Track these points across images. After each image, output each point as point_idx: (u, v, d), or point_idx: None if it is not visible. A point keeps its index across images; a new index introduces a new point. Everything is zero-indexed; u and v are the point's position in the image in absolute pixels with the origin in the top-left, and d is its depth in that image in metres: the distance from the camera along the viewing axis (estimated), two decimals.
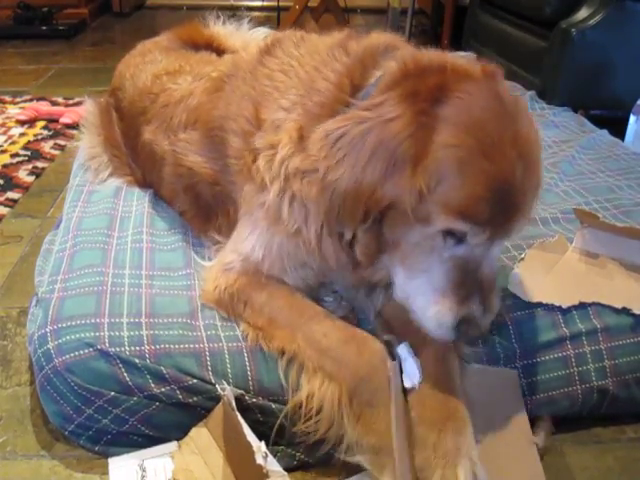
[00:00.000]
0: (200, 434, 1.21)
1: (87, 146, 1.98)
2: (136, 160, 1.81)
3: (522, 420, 1.22)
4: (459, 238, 1.04)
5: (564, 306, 1.33)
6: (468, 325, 1.06)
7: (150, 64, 1.82)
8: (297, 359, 1.19)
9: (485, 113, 1.02)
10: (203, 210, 1.53)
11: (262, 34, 2.22)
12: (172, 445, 1.22)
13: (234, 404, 1.16)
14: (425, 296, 1.09)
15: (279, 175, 1.19)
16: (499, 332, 1.31)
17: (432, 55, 1.13)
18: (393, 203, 1.03)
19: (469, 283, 1.06)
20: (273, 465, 1.09)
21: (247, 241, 1.30)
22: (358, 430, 1.12)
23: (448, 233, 1.03)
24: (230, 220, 1.44)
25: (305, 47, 1.34)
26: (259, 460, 1.04)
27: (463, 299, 1.06)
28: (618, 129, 2.52)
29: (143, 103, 1.71)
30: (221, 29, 2.16)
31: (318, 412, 1.15)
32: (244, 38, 2.15)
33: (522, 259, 1.44)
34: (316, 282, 1.32)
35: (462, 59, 1.12)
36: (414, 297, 1.11)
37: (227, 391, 1.18)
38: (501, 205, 1.01)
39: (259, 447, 1.07)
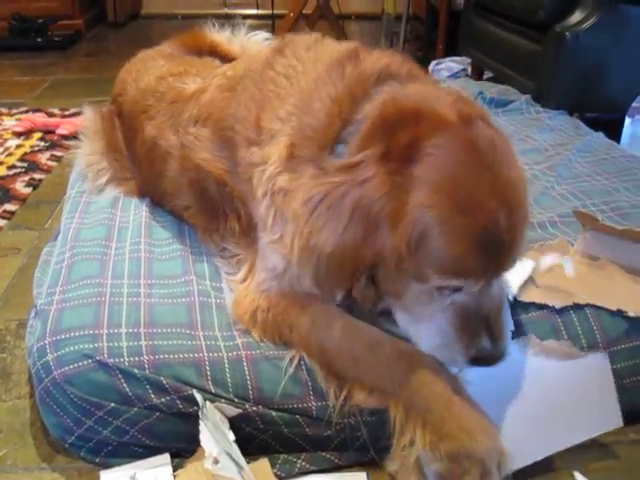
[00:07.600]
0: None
1: (86, 153, 1.98)
2: (134, 159, 1.80)
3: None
4: (455, 289, 1.05)
5: (557, 306, 1.32)
6: (482, 359, 1.09)
7: (153, 68, 1.83)
8: (348, 384, 1.18)
9: (458, 167, 1.01)
10: (208, 206, 1.50)
11: (261, 38, 2.23)
12: (164, 457, 1.21)
13: (201, 411, 1.16)
14: (432, 340, 1.11)
15: (267, 191, 1.23)
16: None
17: (413, 94, 1.11)
18: (378, 262, 1.05)
19: (474, 322, 1.07)
20: (224, 471, 1.09)
21: (269, 258, 1.30)
22: (428, 438, 1.08)
23: (443, 287, 1.04)
24: (242, 224, 1.42)
25: (314, 52, 1.32)
26: (207, 465, 1.07)
27: (470, 340, 1.07)
28: (614, 131, 2.53)
29: (146, 101, 1.71)
30: (221, 36, 2.16)
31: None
32: (243, 43, 2.16)
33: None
34: None
35: (447, 97, 1.10)
36: (421, 339, 1.13)
37: (199, 399, 1.18)
38: (489, 253, 1.01)
39: (210, 453, 1.08)
